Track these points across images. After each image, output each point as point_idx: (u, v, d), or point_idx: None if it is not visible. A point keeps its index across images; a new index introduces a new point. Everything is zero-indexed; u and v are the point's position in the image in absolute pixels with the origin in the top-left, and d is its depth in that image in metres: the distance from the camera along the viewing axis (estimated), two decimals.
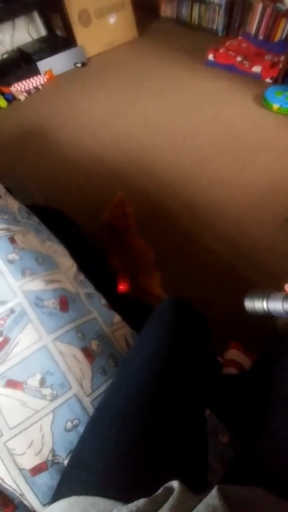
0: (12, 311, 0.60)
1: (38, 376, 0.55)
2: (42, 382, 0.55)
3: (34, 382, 0.54)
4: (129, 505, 0.34)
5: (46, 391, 0.54)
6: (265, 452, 0.49)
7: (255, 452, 0.51)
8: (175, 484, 0.36)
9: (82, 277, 0.78)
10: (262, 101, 1.84)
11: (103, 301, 0.75)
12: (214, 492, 0.33)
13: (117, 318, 0.72)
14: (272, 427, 0.52)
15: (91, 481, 0.41)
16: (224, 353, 0.93)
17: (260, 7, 2.15)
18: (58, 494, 0.44)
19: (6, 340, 0.58)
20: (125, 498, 0.37)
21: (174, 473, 0.38)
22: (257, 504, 0.36)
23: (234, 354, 0.91)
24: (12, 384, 0.54)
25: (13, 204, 0.87)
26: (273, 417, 0.53)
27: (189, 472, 0.44)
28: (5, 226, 0.73)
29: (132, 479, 0.41)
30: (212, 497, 0.33)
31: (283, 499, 0.38)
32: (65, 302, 0.64)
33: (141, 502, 0.34)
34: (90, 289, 0.76)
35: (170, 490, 0.35)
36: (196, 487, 0.37)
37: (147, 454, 0.43)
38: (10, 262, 0.66)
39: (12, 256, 0.67)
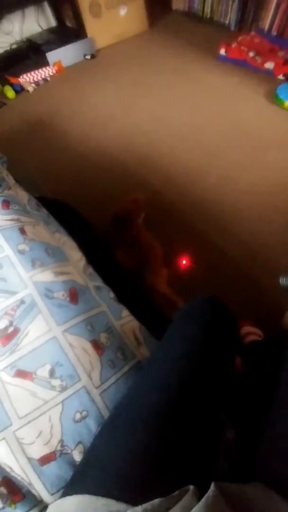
0: (22, 301, 0.60)
1: (48, 367, 0.55)
2: (52, 373, 0.55)
3: (43, 372, 0.55)
4: (144, 504, 0.34)
5: (56, 382, 0.54)
6: (267, 449, 0.49)
7: (257, 449, 0.51)
8: (190, 487, 0.36)
9: (91, 270, 0.78)
10: (274, 98, 1.81)
11: (112, 294, 0.75)
12: (211, 486, 0.35)
13: (125, 312, 0.72)
14: (275, 425, 0.51)
15: (106, 482, 0.41)
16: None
17: (274, 2, 2.11)
18: (70, 489, 0.44)
19: (16, 331, 0.58)
20: (138, 502, 0.36)
21: (189, 479, 0.38)
22: (254, 500, 0.37)
23: (247, 329, 0.96)
24: (21, 374, 0.55)
25: (23, 195, 0.86)
26: (277, 415, 0.52)
27: (203, 477, 0.44)
28: (15, 216, 0.72)
29: (147, 484, 0.40)
30: (210, 490, 0.34)
31: (283, 497, 0.38)
32: (74, 294, 0.63)
33: (156, 501, 0.35)
34: (99, 282, 0.76)
35: (186, 492, 0.36)
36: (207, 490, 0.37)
37: (165, 460, 0.42)
38: (21, 252, 0.66)
39: (22, 246, 0.67)
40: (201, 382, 0.50)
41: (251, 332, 0.95)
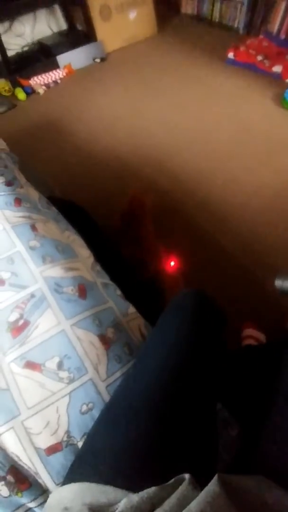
0: (32, 295, 0.62)
1: (56, 359, 0.56)
2: (60, 365, 0.56)
3: (52, 364, 0.56)
4: (140, 493, 0.35)
5: (64, 374, 0.55)
6: (268, 439, 0.50)
7: (258, 440, 0.52)
8: (186, 476, 0.37)
9: (98, 267, 0.80)
10: (282, 102, 1.82)
11: (119, 291, 0.76)
12: (214, 479, 0.35)
13: (132, 309, 0.73)
14: (276, 413, 0.52)
15: (103, 470, 0.41)
16: (241, 333, 0.99)
17: (283, 5, 2.13)
18: (69, 477, 0.45)
19: (26, 323, 0.59)
20: (136, 488, 0.37)
21: (185, 467, 0.39)
22: (255, 491, 0.37)
23: (249, 331, 0.96)
24: (31, 365, 0.56)
25: (34, 194, 0.89)
26: (279, 404, 0.53)
27: (200, 465, 0.45)
28: (27, 214, 0.74)
29: (144, 470, 0.41)
30: (213, 484, 0.34)
31: (283, 487, 0.39)
32: (83, 290, 0.65)
33: (151, 490, 0.35)
34: (106, 279, 0.78)
35: (181, 481, 0.36)
36: (205, 480, 0.38)
37: (160, 447, 0.43)
38: (32, 248, 0.68)
39: (33, 243, 0.69)
40: (191, 370, 0.51)
41: (250, 336, 0.95)
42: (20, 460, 0.52)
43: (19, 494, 0.51)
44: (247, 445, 0.53)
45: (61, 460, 0.52)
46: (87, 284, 0.67)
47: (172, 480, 0.37)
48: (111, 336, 0.61)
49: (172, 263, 1.18)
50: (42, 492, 0.51)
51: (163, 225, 1.35)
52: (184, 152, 1.67)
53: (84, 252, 0.79)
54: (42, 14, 2.37)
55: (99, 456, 0.44)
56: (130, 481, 0.39)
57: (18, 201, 0.78)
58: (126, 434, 0.44)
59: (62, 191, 1.50)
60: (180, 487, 0.35)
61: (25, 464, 0.52)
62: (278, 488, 0.38)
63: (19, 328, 0.59)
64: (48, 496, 0.51)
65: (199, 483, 0.36)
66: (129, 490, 0.38)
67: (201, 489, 0.35)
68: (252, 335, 0.96)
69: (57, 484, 0.51)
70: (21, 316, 0.60)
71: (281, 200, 1.41)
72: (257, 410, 0.57)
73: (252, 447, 0.50)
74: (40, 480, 0.52)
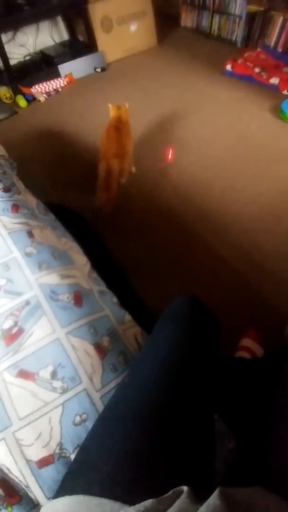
0: (27, 302, 0.61)
1: (50, 368, 0.55)
2: (54, 375, 0.55)
3: (45, 374, 0.55)
4: (136, 505, 0.34)
5: (57, 384, 0.54)
6: (266, 450, 0.49)
7: (256, 450, 0.51)
8: (184, 488, 0.36)
9: (95, 274, 0.79)
10: (279, 113, 1.85)
11: (115, 299, 0.75)
12: (216, 493, 0.34)
13: (128, 317, 0.72)
14: (274, 423, 0.51)
15: (98, 481, 0.40)
16: (241, 339, 0.96)
17: (280, 20, 2.18)
18: (62, 490, 0.44)
19: (21, 331, 0.58)
20: (131, 500, 0.36)
21: (182, 478, 0.38)
22: (257, 505, 0.36)
23: (248, 342, 0.93)
24: (24, 374, 0.55)
25: (32, 200, 0.89)
26: (277, 414, 0.52)
27: (197, 477, 0.44)
28: (24, 220, 0.74)
29: (140, 482, 0.40)
30: (214, 497, 0.33)
31: (284, 499, 0.38)
32: (79, 297, 0.64)
33: (148, 502, 0.34)
34: (103, 287, 0.77)
35: (179, 494, 0.35)
36: (203, 493, 0.37)
37: (157, 457, 0.42)
38: (28, 255, 0.67)
39: (29, 249, 0.69)
40: (188, 378, 0.50)
41: (247, 348, 0.92)
42: (11, 472, 0.51)
43: (9, 509, 0.49)
44: (245, 456, 0.52)
45: (53, 473, 0.50)
46: (83, 291, 0.66)
47: (170, 492, 0.36)
48: (107, 345, 0.61)
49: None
50: (33, 507, 0.50)
51: (160, 232, 1.35)
52: (182, 160, 1.69)
53: (81, 259, 0.78)
54: (45, 26, 2.42)
55: (93, 467, 0.43)
56: (126, 494, 0.38)
57: (16, 207, 0.78)
58: (121, 445, 0.43)
59: (60, 197, 1.51)
60: (178, 500, 0.34)
61: (16, 477, 0.51)
62: (281, 502, 0.37)
63: (13, 336, 0.58)
64: (39, 511, 0.49)
65: (197, 496, 0.35)
66: (125, 503, 0.37)
67: (199, 502, 0.34)
68: (250, 347, 0.93)
69: (49, 498, 0.50)
70: (16, 324, 0.59)
71: (279, 208, 1.41)
72: (256, 421, 0.56)
73: (252, 458, 0.49)
74: (31, 494, 0.50)
